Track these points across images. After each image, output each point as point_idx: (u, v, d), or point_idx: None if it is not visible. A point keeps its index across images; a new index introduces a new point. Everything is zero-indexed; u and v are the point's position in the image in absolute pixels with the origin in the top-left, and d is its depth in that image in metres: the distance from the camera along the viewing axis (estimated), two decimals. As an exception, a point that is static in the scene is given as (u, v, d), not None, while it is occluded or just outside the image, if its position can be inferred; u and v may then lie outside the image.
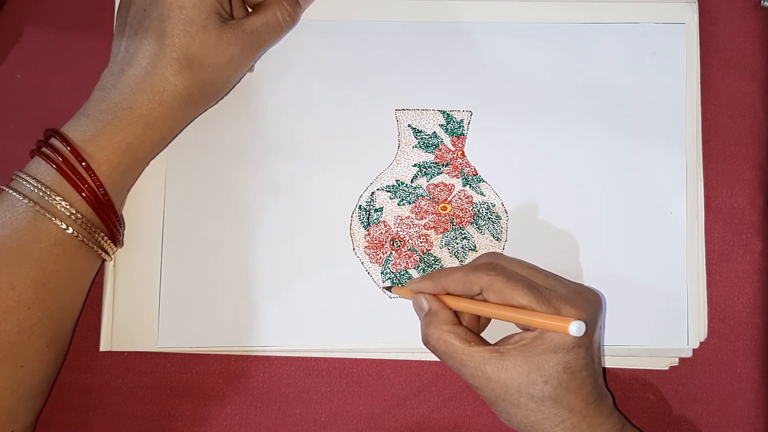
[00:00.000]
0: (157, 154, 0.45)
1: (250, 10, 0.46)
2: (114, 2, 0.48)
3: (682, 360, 0.47)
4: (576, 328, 0.37)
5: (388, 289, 0.46)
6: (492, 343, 0.41)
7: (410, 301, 0.46)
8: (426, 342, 0.41)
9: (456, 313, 0.42)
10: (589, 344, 0.40)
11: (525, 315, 0.39)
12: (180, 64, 0.41)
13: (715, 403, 0.47)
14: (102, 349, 0.45)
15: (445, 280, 0.42)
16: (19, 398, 0.40)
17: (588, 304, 0.40)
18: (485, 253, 0.45)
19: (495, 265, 0.41)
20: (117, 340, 0.45)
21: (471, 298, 0.42)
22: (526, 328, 0.40)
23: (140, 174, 0.45)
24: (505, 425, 0.46)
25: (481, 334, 0.44)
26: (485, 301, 0.41)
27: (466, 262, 0.46)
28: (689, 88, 0.47)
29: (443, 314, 0.41)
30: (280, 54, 0.47)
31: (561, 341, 0.38)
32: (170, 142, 0.45)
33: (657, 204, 0.47)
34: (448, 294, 0.42)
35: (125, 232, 0.45)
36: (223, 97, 0.46)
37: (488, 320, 0.45)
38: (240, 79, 0.46)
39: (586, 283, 0.46)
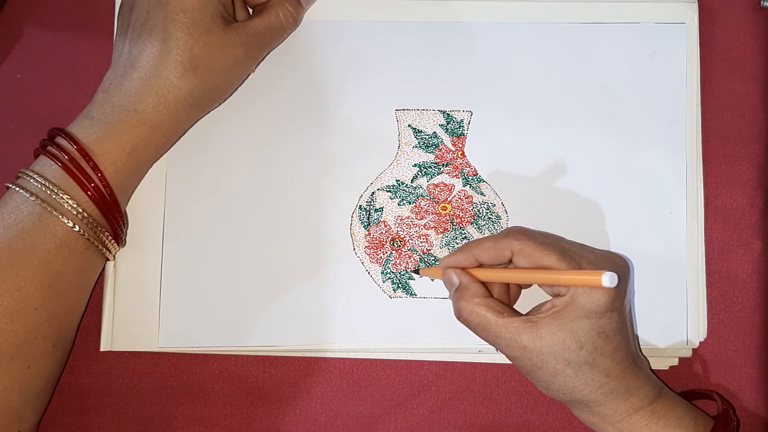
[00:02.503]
0: (161, 156, 0.45)
1: (251, 11, 0.46)
2: (114, 2, 0.48)
3: (682, 360, 0.47)
4: (609, 279, 0.36)
5: (416, 272, 0.46)
6: (523, 314, 0.41)
7: (411, 302, 0.46)
8: (459, 316, 0.41)
9: (487, 288, 0.42)
10: (621, 308, 0.40)
11: (557, 275, 0.39)
12: (184, 67, 0.41)
13: (715, 403, 0.47)
14: (102, 348, 0.45)
15: (476, 250, 0.42)
16: (26, 398, 0.40)
17: (616, 268, 0.40)
18: (512, 226, 0.45)
19: (525, 231, 0.42)
20: (117, 339, 0.45)
21: (500, 268, 0.42)
22: (556, 294, 0.40)
23: (143, 176, 0.45)
24: (506, 426, 0.46)
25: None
26: (515, 269, 0.41)
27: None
28: (689, 88, 0.47)
29: (474, 287, 0.41)
30: (281, 54, 0.47)
31: (593, 306, 0.38)
32: (174, 144, 0.45)
33: (657, 204, 0.47)
34: (477, 267, 0.43)
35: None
36: (226, 99, 0.46)
37: (518, 293, 0.45)
38: (243, 81, 0.46)
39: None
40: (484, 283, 0.42)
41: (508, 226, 0.46)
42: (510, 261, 0.41)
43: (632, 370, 0.40)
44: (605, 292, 0.38)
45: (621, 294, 0.39)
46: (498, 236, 0.42)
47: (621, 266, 0.41)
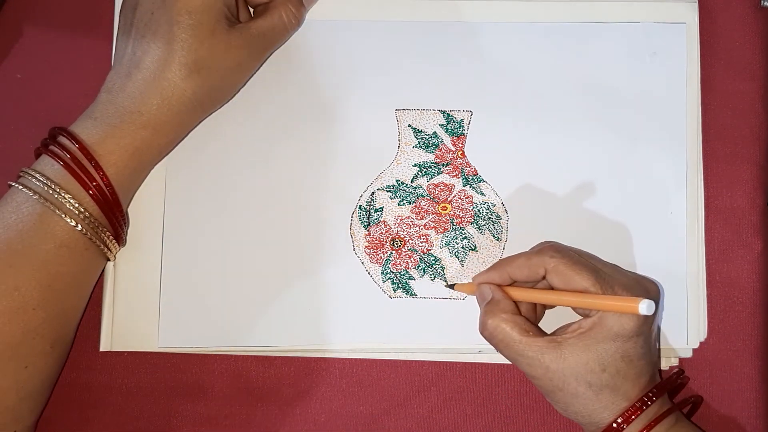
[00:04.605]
0: (164, 157, 0.45)
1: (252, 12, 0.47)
2: (114, 2, 0.48)
3: (682, 360, 0.47)
4: (646, 307, 0.36)
5: (451, 286, 0.46)
6: (548, 333, 0.41)
7: (411, 302, 0.46)
8: (483, 330, 0.41)
9: (516, 305, 0.42)
10: (648, 333, 0.40)
11: (593, 299, 0.39)
12: (188, 69, 0.41)
13: (715, 403, 0.47)
14: (102, 349, 0.45)
15: (509, 267, 0.42)
16: (23, 398, 0.40)
17: (647, 294, 0.40)
18: (545, 241, 0.45)
19: (558, 248, 0.41)
20: (117, 340, 0.45)
21: (533, 286, 0.42)
22: (585, 315, 0.40)
23: (145, 178, 0.45)
24: (506, 426, 0.46)
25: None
26: (548, 288, 0.41)
27: (467, 262, 0.46)
28: (689, 88, 0.47)
29: (504, 303, 0.41)
30: (281, 54, 0.47)
31: (620, 329, 0.38)
32: (176, 146, 0.45)
33: (657, 204, 0.47)
34: (511, 285, 0.43)
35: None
36: (229, 101, 0.46)
37: (543, 311, 0.45)
38: (246, 82, 0.46)
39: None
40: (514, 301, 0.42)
41: (509, 226, 0.46)
42: (543, 278, 0.41)
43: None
44: (635, 316, 0.38)
45: (650, 319, 0.39)
46: (531, 252, 0.42)
47: (653, 291, 0.41)
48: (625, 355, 0.38)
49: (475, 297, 0.45)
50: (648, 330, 0.39)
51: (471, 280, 0.46)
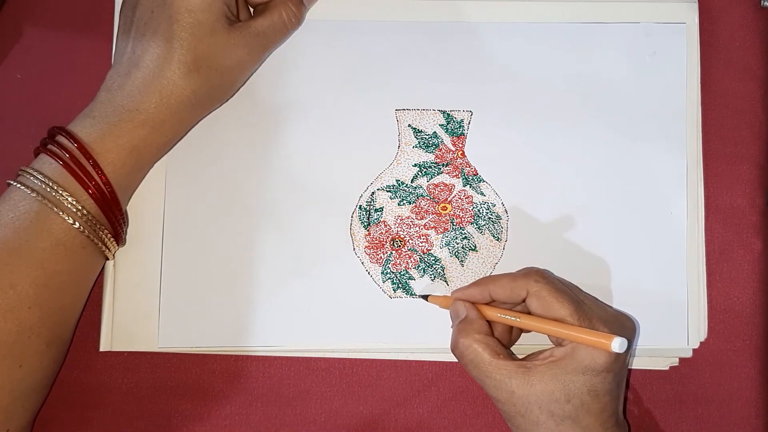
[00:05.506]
0: (162, 156, 0.45)
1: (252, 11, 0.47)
2: (114, 2, 0.48)
3: (682, 360, 0.47)
4: (618, 345, 0.37)
5: (424, 297, 0.46)
6: (520, 358, 0.41)
7: (411, 302, 0.46)
8: (454, 348, 0.41)
9: (489, 324, 0.42)
10: (618, 371, 0.40)
11: (567, 330, 0.39)
12: (188, 67, 0.41)
13: (715, 403, 0.47)
14: (102, 349, 0.45)
15: (492, 285, 0.42)
16: (16, 397, 0.40)
17: (623, 330, 0.40)
18: (531, 267, 0.44)
19: (544, 274, 0.42)
20: (117, 340, 0.45)
21: (511, 308, 0.42)
22: (558, 344, 0.40)
23: (144, 176, 0.45)
24: (506, 426, 0.46)
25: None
26: (525, 312, 0.41)
27: (467, 262, 0.46)
28: (689, 88, 0.48)
29: (477, 323, 0.41)
30: (281, 54, 0.47)
31: (591, 363, 0.38)
32: (175, 144, 0.45)
33: (657, 204, 0.47)
34: (488, 304, 0.43)
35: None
36: (228, 99, 0.46)
37: (519, 335, 0.45)
38: (246, 81, 0.46)
39: (585, 284, 0.46)
40: (488, 321, 0.42)
41: (509, 226, 0.46)
42: (523, 301, 0.41)
43: None
44: (607, 353, 0.38)
45: (622, 357, 0.39)
46: (516, 274, 0.42)
47: (629, 329, 0.42)
48: (592, 389, 0.38)
49: (447, 310, 0.45)
50: (618, 367, 0.39)
51: (449, 293, 0.45)
